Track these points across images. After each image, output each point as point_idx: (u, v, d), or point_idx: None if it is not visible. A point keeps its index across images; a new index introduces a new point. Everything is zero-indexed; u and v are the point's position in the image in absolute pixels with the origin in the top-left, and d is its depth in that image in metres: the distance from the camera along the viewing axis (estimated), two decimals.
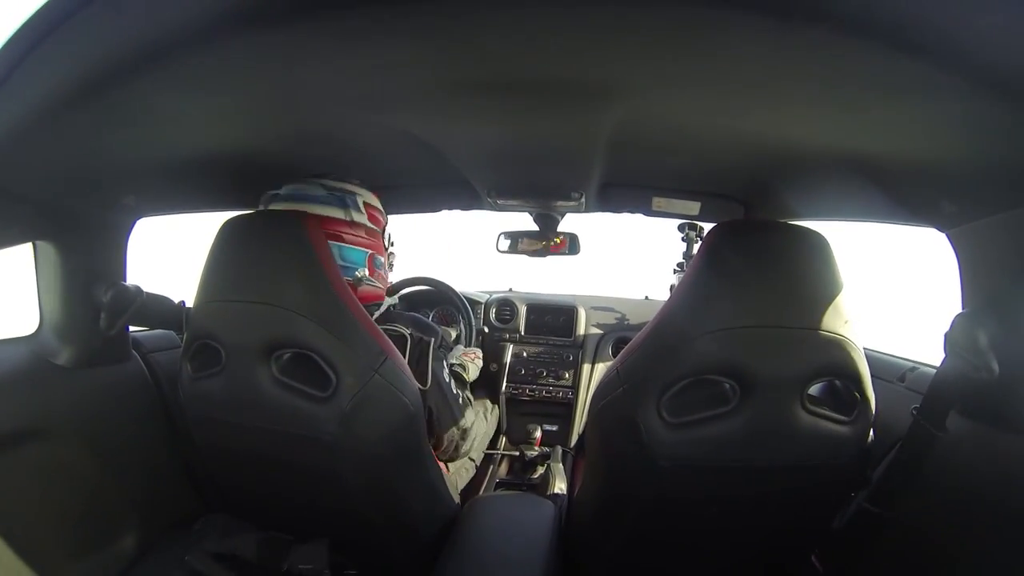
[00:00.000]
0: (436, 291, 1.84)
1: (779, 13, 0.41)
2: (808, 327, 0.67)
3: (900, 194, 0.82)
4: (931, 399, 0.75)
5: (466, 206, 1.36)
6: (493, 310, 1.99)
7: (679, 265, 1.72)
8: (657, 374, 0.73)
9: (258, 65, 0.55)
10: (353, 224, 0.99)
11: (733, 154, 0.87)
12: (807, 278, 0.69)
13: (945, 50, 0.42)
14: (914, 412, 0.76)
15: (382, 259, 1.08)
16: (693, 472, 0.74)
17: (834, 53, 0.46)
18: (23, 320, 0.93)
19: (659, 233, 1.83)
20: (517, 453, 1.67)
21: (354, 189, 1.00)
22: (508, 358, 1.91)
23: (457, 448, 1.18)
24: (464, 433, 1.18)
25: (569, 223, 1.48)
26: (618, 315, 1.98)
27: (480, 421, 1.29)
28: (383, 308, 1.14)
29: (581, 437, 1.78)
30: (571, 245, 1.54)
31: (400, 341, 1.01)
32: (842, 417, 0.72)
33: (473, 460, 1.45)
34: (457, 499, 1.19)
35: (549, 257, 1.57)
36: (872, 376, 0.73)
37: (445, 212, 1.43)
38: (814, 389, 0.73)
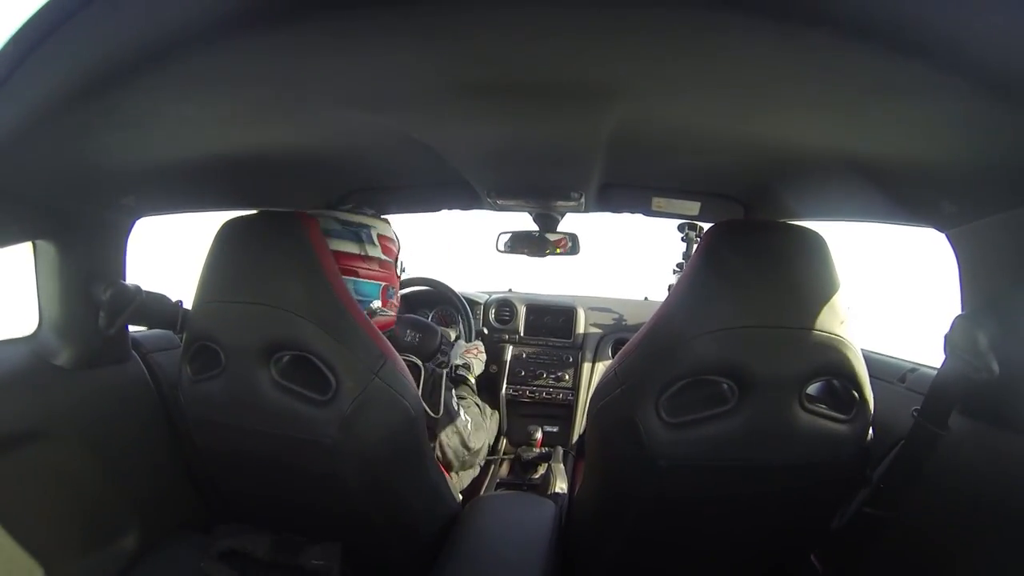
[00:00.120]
0: (435, 291, 1.83)
1: (778, 14, 0.41)
2: (805, 327, 0.67)
3: (899, 194, 0.82)
4: (932, 399, 0.75)
5: (466, 206, 1.36)
6: (492, 311, 1.99)
7: (678, 265, 1.73)
8: (655, 374, 0.73)
9: (258, 66, 0.55)
10: (367, 258, 1.01)
11: (733, 154, 0.87)
12: (804, 278, 0.69)
13: (945, 51, 0.42)
14: (915, 413, 0.76)
15: (395, 289, 1.10)
16: (692, 472, 0.74)
17: (834, 54, 0.46)
18: (22, 321, 0.93)
19: (658, 233, 1.84)
20: (515, 456, 1.67)
21: (368, 221, 1.02)
22: (508, 359, 1.91)
23: (464, 465, 1.22)
24: (472, 454, 1.21)
25: (569, 223, 1.48)
26: (617, 316, 1.98)
27: (487, 429, 1.32)
28: None
29: (581, 437, 1.78)
30: (571, 245, 1.54)
31: (414, 371, 1.02)
32: (840, 416, 0.72)
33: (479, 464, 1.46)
34: (459, 499, 1.19)
35: (548, 257, 1.57)
36: (872, 377, 0.73)
37: (444, 212, 1.43)
38: (812, 389, 0.73)
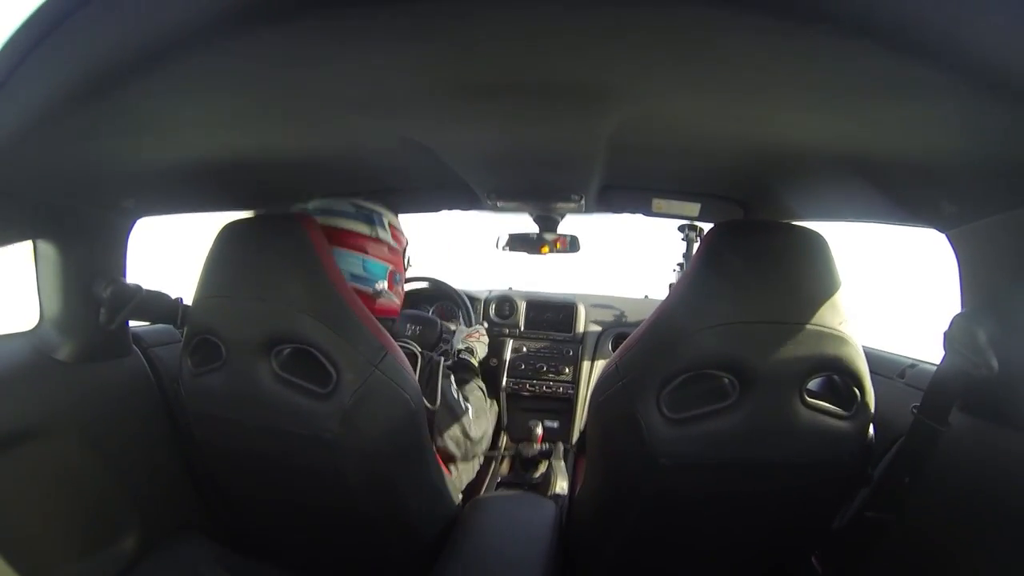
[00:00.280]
0: (435, 288, 1.84)
1: (778, 14, 0.41)
2: (806, 323, 0.68)
3: (899, 195, 0.82)
4: (932, 395, 0.75)
5: (465, 208, 1.36)
6: (493, 306, 1.99)
7: (679, 265, 1.73)
8: (656, 368, 0.73)
9: (257, 67, 0.55)
10: (377, 241, 1.04)
11: (733, 155, 0.87)
12: (806, 277, 0.70)
13: (945, 51, 0.42)
14: (914, 410, 0.76)
15: (401, 276, 1.12)
16: (693, 469, 0.74)
17: (834, 54, 0.46)
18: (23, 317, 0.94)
19: (658, 233, 1.84)
20: (516, 453, 1.67)
21: (380, 209, 1.05)
22: (508, 354, 1.91)
23: (467, 455, 1.21)
24: (474, 443, 1.21)
25: (569, 223, 1.48)
26: (617, 313, 1.99)
27: (490, 419, 1.31)
28: None
29: (582, 434, 1.78)
30: (571, 246, 1.54)
31: (411, 359, 1.03)
32: (841, 412, 0.72)
33: (478, 459, 1.45)
34: (459, 499, 1.19)
35: (549, 255, 1.57)
36: (872, 373, 0.74)
37: (444, 212, 1.43)
38: (813, 385, 0.73)
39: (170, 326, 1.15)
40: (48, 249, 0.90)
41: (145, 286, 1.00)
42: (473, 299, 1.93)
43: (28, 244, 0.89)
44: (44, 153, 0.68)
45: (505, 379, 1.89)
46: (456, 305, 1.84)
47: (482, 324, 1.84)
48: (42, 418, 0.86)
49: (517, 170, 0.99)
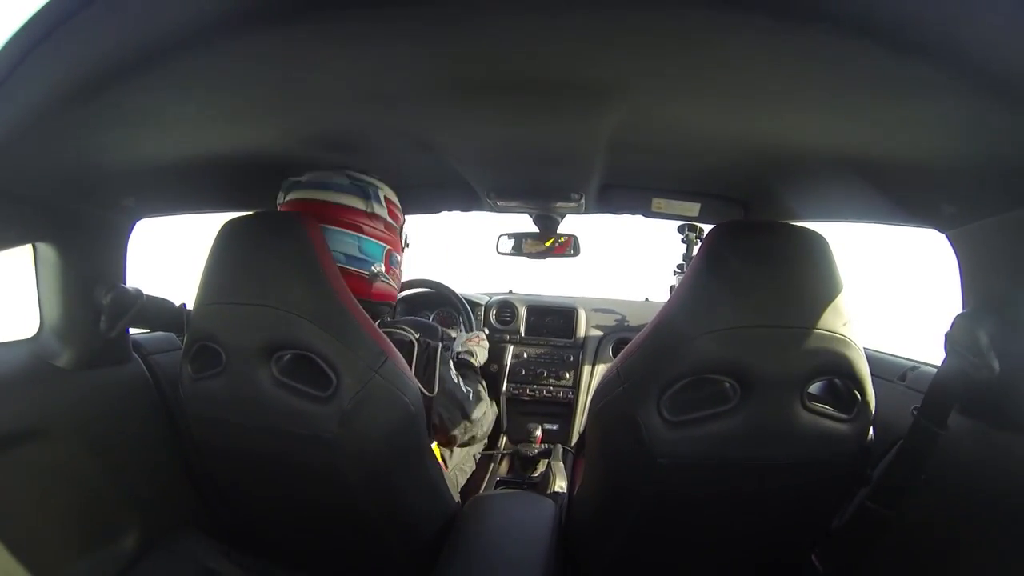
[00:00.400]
0: (436, 293, 1.84)
1: (779, 14, 0.41)
2: (808, 326, 0.67)
3: (900, 195, 0.82)
4: (932, 398, 0.75)
5: (466, 207, 1.36)
6: (493, 312, 1.99)
7: (679, 267, 1.73)
8: (657, 373, 0.73)
9: (257, 66, 0.55)
10: (373, 216, 0.98)
11: (733, 155, 0.87)
12: (807, 279, 0.69)
13: (945, 51, 0.42)
14: (915, 412, 0.76)
15: (399, 257, 1.07)
16: (693, 470, 0.74)
17: (834, 54, 0.46)
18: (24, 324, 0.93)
19: (659, 235, 1.83)
20: (515, 452, 1.66)
21: (376, 182, 1.00)
22: (508, 359, 1.91)
23: (468, 436, 1.17)
24: (476, 425, 1.17)
25: (569, 224, 1.48)
26: (618, 317, 1.98)
27: (490, 409, 1.28)
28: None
29: (582, 436, 1.78)
30: (572, 246, 1.54)
31: (407, 347, 1.00)
32: (842, 415, 0.72)
33: (473, 456, 1.44)
34: (457, 498, 1.19)
35: (549, 259, 1.57)
36: (872, 375, 0.73)
37: (444, 214, 1.43)
38: (814, 388, 0.73)
39: (170, 334, 1.15)
40: (48, 253, 0.90)
41: (146, 290, 1.00)
42: (474, 304, 1.92)
43: (29, 248, 0.89)
44: (44, 151, 0.69)
45: (505, 384, 1.88)
46: (457, 311, 1.84)
47: (483, 330, 1.84)
48: (42, 423, 0.86)
49: (517, 168, 0.99)
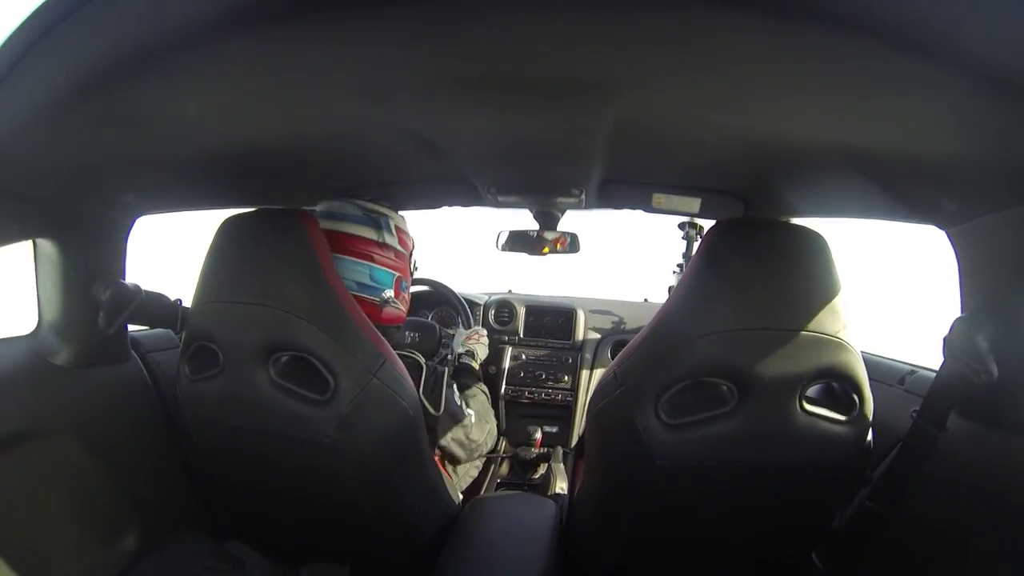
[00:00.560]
0: (435, 292, 1.84)
1: (779, 10, 0.41)
2: (806, 329, 0.67)
3: (900, 191, 0.82)
4: (931, 401, 0.75)
5: (466, 203, 1.36)
6: (492, 312, 1.99)
7: (679, 266, 1.72)
8: (655, 376, 0.73)
9: (257, 63, 0.55)
10: (384, 246, 1.02)
11: (733, 151, 0.87)
12: (805, 279, 0.70)
13: (945, 48, 0.42)
14: (914, 415, 0.76)
15: (407, 283, 1.11)
16: (691, 472, 0.74)
17: (834, 51, 0.46)
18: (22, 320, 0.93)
19: (658, 233, 1.83)
20: (514, 456, 1.67)
21: (387, 211, 1.04)
22: (507, 361, 1.91)
23: (471, 455, 1.22)
24: (478, 445, 1.22)
25: (569, 222, 1.47)
26: (617, 318, 1.98)
27: (492, 425, 1.32)
28: None
29: (581, 438, 1.78)
30: (571, 244, 1.54)
31: (415, 369, 1.02)
32: (840, 417, 0.72)
33: (478, 462, 1.45)
34: (458, 499, 1.19)
35: (548, 257, 1.57)
36: (871, 379, 0.73)
37: (443, 211, 1.43)
38: (812, 390, 0.73)
39: (168, 331, 1.15)
40: (48, 249, 0.90)
41: (145, 287, 1.00)
42: (472, 304, 1.93)
43: (28, 245, 0.89)
44: (43, 149, 0.68)
45: (504, 387, 1.88)
46: (455, 311, 1.84)
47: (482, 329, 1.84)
48: (41, 422, 0.85)
49: (518, 164, 0.99)
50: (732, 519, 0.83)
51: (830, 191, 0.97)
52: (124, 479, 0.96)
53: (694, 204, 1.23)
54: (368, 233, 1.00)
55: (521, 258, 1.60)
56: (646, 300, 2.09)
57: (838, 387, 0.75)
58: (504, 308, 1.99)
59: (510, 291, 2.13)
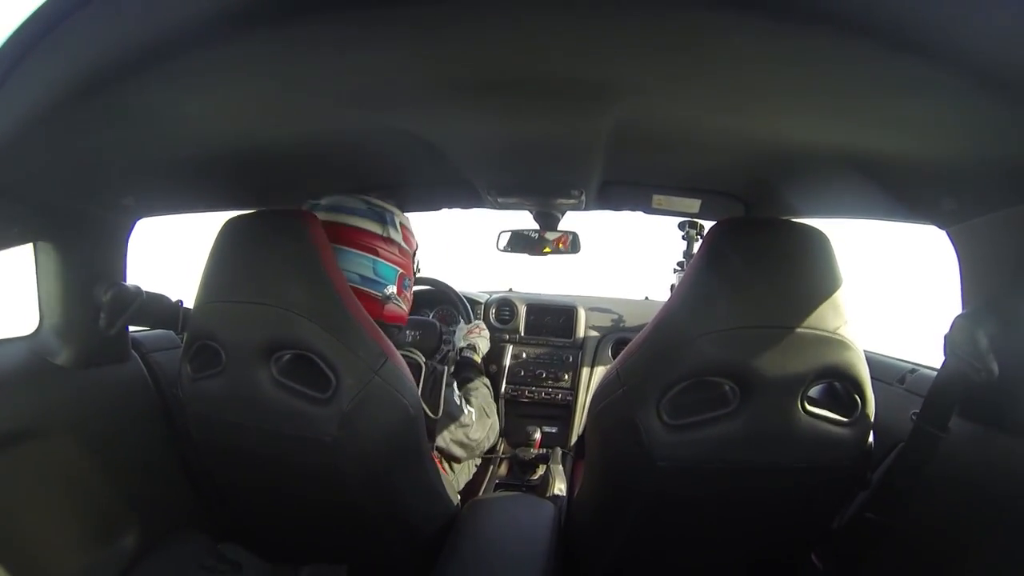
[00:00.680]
0: (436, 290, 1.84)
1: (779, 12, 0.41)
2: (808, 327, 0.67)
3: (900, 191, 0.82)
4: (932, 401, 0.75)
5: (466, 205, 1.36)
6: (493, 310, 1.99)
7: (679, 264, 1.72)
8: (657, 375, 0.73)
9: (257, 65, 0.55)
10: (388, 240, 1.01)
11: (733, 152, 0.87)
12: (807, 277, 0.69)
13: (945, 48, 0.42)
14: (914, 416, 0.76)
15: (410, 281, 1.10)
16: (692, 473, 0.74)
17: (834, 52, 0.46)
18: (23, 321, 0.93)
19: (659, 232, 1.83)
20: (513, 456, 1.67)
21: (392, 208, 1.03)
22: (508, 360, 1.91)
23: (471, 453, 1.23)
24: (477, 444, 1.22)
25: (569, 222, 1.48)
26: (617, 316, 1.98)
27: (494, 422, 1.32)
28: None
29: (580, 438, 1.78)
30: (572, 244, 1.54)
31: (415, 369, 1.02)
32: (842, 419, 0.72)
33: (475, 461, 1.45)
34: (457, 500, 1.19)
35: (549, 256, 1.57)
36: (872, 378, 0.73)
37: (443, 212, 1.43)
38: (814, 391, 0.72)
39: (169, 332, 1.15)
40: (48, 252, 0.90)
41: (146, 288, 1.00)
42: (473, 302, 1.93)
43: (29, 247, 0.89)
44: (43, 151, 0.68)
45: (504, 385, 1.88)
46: (456, 309, 1.84)
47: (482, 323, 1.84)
48: (41, 421, 0.86)
49: (518, 166, 0.99)
50: (732, 520, 0.83)
51: (830, 191, 0.97)
52: (124, 479, 0.96)
53: (694, 205, 1.23)
54: (373, 227, 0.99)
55: (522, 257, 1.60)
56: (647, 298, 2.08)
57: (840, 387, 0.74)
58: (505, 307, 1.99)
59: (511, 290, 2.13)
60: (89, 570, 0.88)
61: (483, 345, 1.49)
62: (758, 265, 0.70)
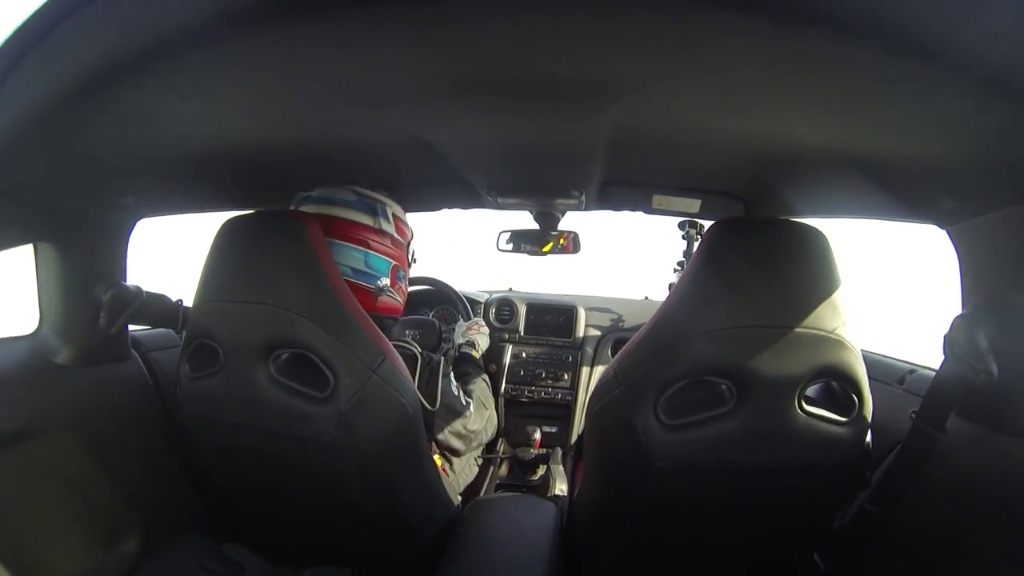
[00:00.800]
0: (435, 290, 1.84)
1: (779, 14, 0.41)
2: (805, 327, 0.67)
3: (900, 191, 0.82)
4: (931, 401, 0.75)
5: (466, 205, 1.36)
6: (493, 310, 1.99)
7: (679, 264, 1.72)
8: (654, 375, 0.73)
9: (257, 65, 0.55)
10: (380, 232, 1.00)
11: (733, 152, 0.87)
12: (805, 277, 0.69)
13: (944, 48, 0.42)
14: (913, 415, 0.76)
15: (404, 272, 1.09)
16: (690, 472, 0.74)
17: (834, 52, 0.46)
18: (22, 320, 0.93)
19: (659, 232, 1.83)
20: (513, 456, 1.67)
21: (384, 199, 1.02)
22: (507, 359, 1.91)
23: (470, 446, 1.21)
24: (476, 435, 1.21)
25: (569, 221, 1.48)
26: (617, 316, 1.98)
27: (492, 414, 1.31)
28: None
29: (580, 438, 1.78)
30: (572, 244, 1.54)
31: (410, 360, 1.02)
32: (839, 418, 0.72)
33: (476, 461, 1.45)
34: (458, 501, 1.19)
35: (549, 256, 1.57)
36: (871, 379, 0.73)
37: (443, 212, 1.43)
38: (811, 390, 0.72)
39: (169, 330, 1.15)
40: (49, 252, 0.90)
41: (146, 287, 1.00)
42: (473, 302, 1.93)
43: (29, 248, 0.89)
44: (44, 152, 0.68)
45: (504, 385, 1.88)
46: (456, 309, 1.84)
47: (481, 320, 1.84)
48: (41, 421, 0.86)
49: (518, 166, 0.99)
50: (732, 519, 0.83)
51: (830, 191, 0.97)
52: (124, 478, 0.96)
53: (694, 205, 1.23)
54: (363, 219, 0.98)
55: (521, 256, 1.60)
56: (647, 298, 2.09)
57: (837, 387, 0.74)
58: (505, 306, 1.99)
59: (511, 289, 2.14)
60: (89, 570, 0.88)
61: (482, 342, 1.49)
62: (756, 265, 0.70)
